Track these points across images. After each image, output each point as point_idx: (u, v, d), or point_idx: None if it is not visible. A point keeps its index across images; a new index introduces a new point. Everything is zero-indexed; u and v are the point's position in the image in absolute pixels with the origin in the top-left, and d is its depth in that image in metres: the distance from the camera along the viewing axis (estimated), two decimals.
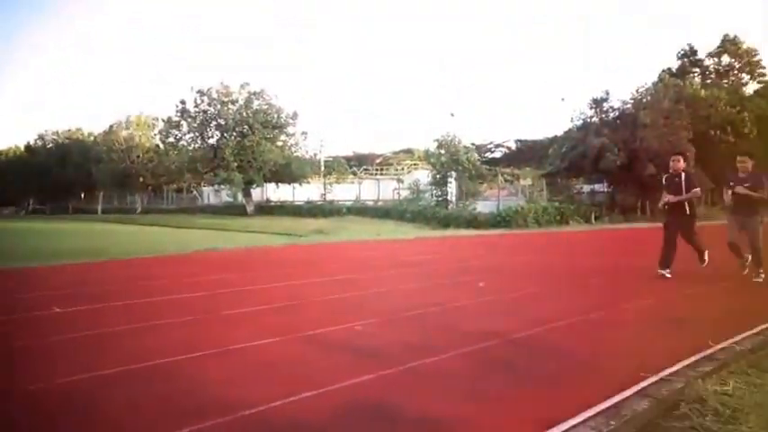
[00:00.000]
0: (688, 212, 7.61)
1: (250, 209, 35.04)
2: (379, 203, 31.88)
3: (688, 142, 26.01)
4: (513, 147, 59.34)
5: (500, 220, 21.98)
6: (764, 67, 42.44)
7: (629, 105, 28.68)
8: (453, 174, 27.33)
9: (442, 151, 27.46)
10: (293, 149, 36.95)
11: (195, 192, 48.23)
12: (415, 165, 40.64)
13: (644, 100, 28.55)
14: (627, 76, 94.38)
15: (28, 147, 56.99)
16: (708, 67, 43.78)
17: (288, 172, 35.44)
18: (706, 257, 7.72)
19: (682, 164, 7.87)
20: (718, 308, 5.78)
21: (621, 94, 30.93)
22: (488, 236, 18.24)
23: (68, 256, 10.92)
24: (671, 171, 7.88)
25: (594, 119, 28.96)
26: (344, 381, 3.33)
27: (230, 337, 4.41)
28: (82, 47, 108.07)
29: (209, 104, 35.29)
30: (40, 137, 56.27)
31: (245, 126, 34.50)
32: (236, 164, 33.44)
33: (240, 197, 37.53)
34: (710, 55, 43.66)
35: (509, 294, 6.68)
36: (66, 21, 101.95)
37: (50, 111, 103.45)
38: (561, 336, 4.51)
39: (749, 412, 2.93)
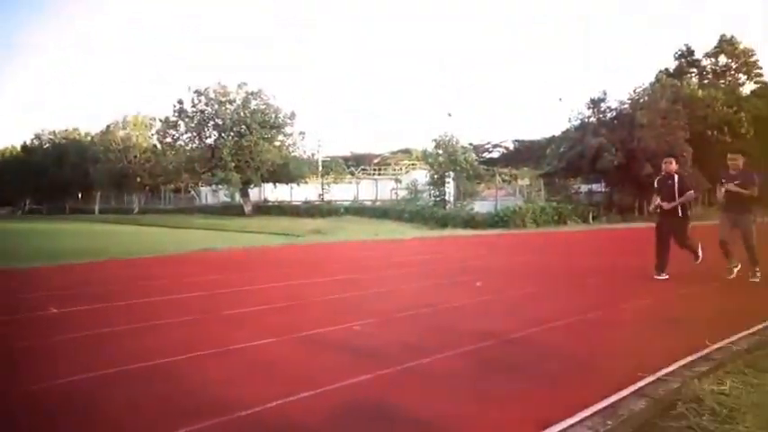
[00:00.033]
0: (681, 215, 7.55)
1: (248, 209, 34.98)
2: (377, 203, 31.84)
3: (685, 142, 26.08)
4: (511, 147, 59.45)
5: (498, 220, 21.98)
6: (761, 68, 42.58)
7: (626, 105, 28.72)
8: (451, 174, 27.32)
9: (440, 151, 27.46)
10: (291, 149, 36.87)
11: (193, 192, 48.12)
12: (412, 165, 40.65)
13: (641, 100, 28.59)
14: (627, 77, 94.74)
15: (24, 146, 56.78)
16: (705, 67, 43.88)
17: (285, 172, 35.37)
18: (700, 254, 7.70)
19: (674, 166, 7.83)
20: (714, 308, 5.79)
21: (621, 95, 30.93)
22: (486, 236, 18.25)
23: (66, 257, 10.90)
24: (663, 173, 7.83)
25: (592, 119, 29.00)
26: (342, 381, 3.33)
27: (228, 338, 4.41)
28: (81, 47, 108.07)
29: (206, 104, 35.19)
30: (37, 136, 56.10)
31: (243, 126, 34.42)
32: (233, 164, 33.36)
33: (238, 197, 37.46)
34: (707, 55, 43.77)
35: (507, 294, 6.69)
36: (65, 21, 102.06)
37: (50, 111, 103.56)
38: (558, 336, 4.52)
39: (746, 412, 2.94)
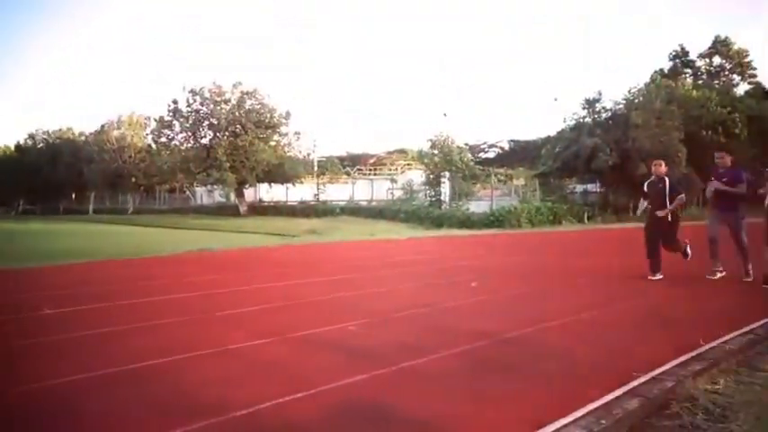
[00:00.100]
0: (670, 218, 7.50)
1: (243, 209, 34.92)
2: (373, 203, 31.82)
3: (679, 143, 26.16)
4: (507, 147, 59.54)
5: (493, 220, 22.01)
6: (755, 68, 42.85)
7: (621, 106, 28.80)
8: (447, 174, 27.34)
9: (436, 151, 27.48)
10: (286, 149, 36.81)
11: (188, 192, 47.98)
12: (408, 165, 40.64)
13: (636, 100, 28.67)
14: (627, 77, 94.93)
15: (18, 146, 56.51)
16: (699, 67, 44.14)
17: (281, 172, 35.30)
18: (689, 251, 7.71)
19: (663, 168, 7.77)
20: (708, 307, 5.82)
21: (619, 95, 30.96)
22: (481, 236, 18.27)
23: (60, 257, 10.85)
24: (653, 177, 7.78)
25: (587, 119, 29.06)
26: (337, 381, 3.33)
27: (223, 338, 4.40)
28: (81, 47, 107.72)
29: (201, 104, 35.10)
30: (31, 136, 55.84)
31: (238, 126, 34.35)
32: (228, 164, 33.28)
33: (233, 197, 37.38)
34: (702, 56, 44.03)
35: (502, 294, 6.70)
36: (65, 21, 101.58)
37: (50, 111, 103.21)
38: (553, 335, 4.53)
39: (739, 410, 2.95)
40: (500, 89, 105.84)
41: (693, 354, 3.86)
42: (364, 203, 32.31)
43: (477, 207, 24.93)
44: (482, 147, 59.37)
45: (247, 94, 35.43)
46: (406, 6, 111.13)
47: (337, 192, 35.59)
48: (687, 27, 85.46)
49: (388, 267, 9.58)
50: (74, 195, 53.97)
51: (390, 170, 42.52)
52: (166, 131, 37.14)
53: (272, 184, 37.24)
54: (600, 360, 3.83)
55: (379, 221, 24.86)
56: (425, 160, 28.38)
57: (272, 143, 36.17)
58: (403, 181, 31.81)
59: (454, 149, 27.39)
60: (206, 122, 35.37)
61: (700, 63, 44.28)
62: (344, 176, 44.75)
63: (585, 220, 25.08)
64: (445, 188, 27.46)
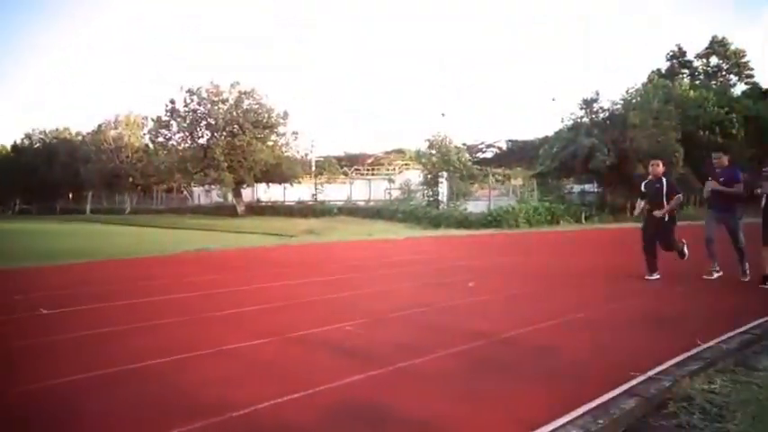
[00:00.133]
0: (667, 218, 7.50)
1: (240, 209, 34.86)
2: (371, 203, 31.80)
3: (677, 143, 26.22)
4: (504, 147, 59.57)
5: (491, 220, 22.01)
6: (752, 69, 43.00)
7: (618, 106, 28.84)
8: (444, 174, 27.36)
9: (433, 151, 27.49)
10: (284, 149, 36.77)
11: (185, 192, 47.91)
12: (406, 165, 40.63)
13: (633, 101, 28.72)
14: (627, 77, 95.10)
15: (15, 146, 56.31)
16: (696, 68, 44.29)
17: (278, 172, 35.25)
18: (686, 251, 7.71)
19: (661, 168, 7.74)
20: (705, 307, 5.83)
21: (617, 95, 30.97)
22: (479, 236, 18.28)
23: (57, 257, 10.82)
24: (650, 177, 7.76)
25: (585, 119, 29.10)
26: (335, 381, 3.32)
27: (220, 338, 4.39)
28: (81, 47, 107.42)
29: (198, 104, 35.02)
30: (27, 136, 55.65)
31: (236, 126, 34.29)
32: (226, 164, 33.22)
33: (230, 197, 37.32)
34: (699, 56, 44.18)
35: (499, 294, 6.70)
36: (65, 21, 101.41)
37: (49, 111, 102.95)
38: (550, 335, 4.53)
39: (735, 410, 2.95)
40: (500, 89, 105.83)
41: (690, 353, 3.87)
42: (362, 203, 32.30)
43: (474, 207, 24.94)
44: (480, 147, 59.40)
45: (245, 93, 35.37)
46: (407, 6, 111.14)
47: (335, 192, 35.56)
48: (687, 27, 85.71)
49: (385, 267, 9.57)
50: (70, 195, 53.82)
51: (388, 170, 42.50)
52: (164, 131, 37.07)
53: (270, 184, 37.19)
54: (597, 360, 3.83)
55: (377, 221, 24.86)
56: (423, 160, 28.38)
57: (270, 143, 36.12)
58: (401, 181, 31.80)
59: (452, 149, 27.41)
60: (203, 122, 35.30)
61: (697, 63, 44.47)
62: (342, 176, 44.74)
63: (583, 220, 25.11)
64: (443, 188, 27.48)
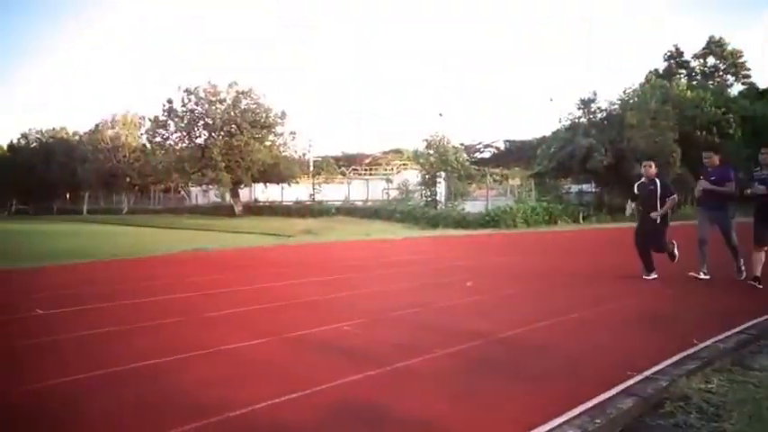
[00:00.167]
0: (659, 220, 7.49)
1: (238, 209, 34.83)
2: (368, 204, 31.79)
3: (674, 143, 26.27)
4: (502, 147, 59.64)
5: (489, 220, 22.03)
6: (749, 69, 43.11)
7: (616, 106, 28.90)
8: (442, 174, 27.37)
9: (431, 151, 27.50)
10: (282, 149, 36.74)
11: (183, 192, 47.84)
12: (404, 165, 40.64)
13: (631, 101, 28.78)
14: (630, 78, 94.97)
15: (11, 146, 56.15)
16: (694, 68, 44.37)
17: (276, 172, 35.22)
18: (676, 252, 7.71)
19: (653, 170, 7.73)
20: (702, 306, 5.84)
21: (615, 95, 31.04)
22: (477, 236, 18.29)
23: (55, 258, 10.80)
24: (643, 179, 7.74)
25: (582, 119, 29.14)
26: (332, 381, 3.32)
27: (219, 338, 4.39)
28: (85, 49, 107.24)
29: (196, 104, 34.97)
30: (24, 136, 55.51)
31: (233, 125, 34.24)
32: (223, 164, 33.18)
33: (228, 197, 37.28)
34: (696, 56, 44.27)
35: (497, 294, 6.70)
36: (70, 22, 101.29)
37: (53, 112, 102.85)
38: (547, 335, 4.53)
39: (732, 409, 2.96)
40: (503, 90, 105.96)
41: (687, 353, 3.87)
42: (360, 203, 32.30)
43: (472, 207, 24.96)
44: (478, 147, 59.48)
45: (243, 93, 35.32)
46: (410, 8, 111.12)
47: (333, 192, 35.55)
48: (686, 28, 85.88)
49: (383, 267, 9.57)
50: (67, 195, 53.70)
51: (386, 170, 42.51)
52: (161, 131, 37.00)
53: (268, 184, 37.18)
54: (594, 359, 3.83)
55: (375, 221, 24.86)
56: (421, 160, 28.38)
57: (268, 143, 36.09)
58: (399, 181, 31.82)
59: (450, 149, 27.41)
60: (201, 122, 35.25)
61: (694, 63, 44.54)
62: (340, 176, 44.72)
63: (581, 220, 25.15)
64: (441, 188, 27.49)
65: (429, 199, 27.12)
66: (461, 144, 35.55)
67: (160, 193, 48.72)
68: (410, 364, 3.67)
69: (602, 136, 27.08)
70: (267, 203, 36.94)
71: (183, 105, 35.12)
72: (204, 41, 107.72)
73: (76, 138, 51.53)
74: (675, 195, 7.64)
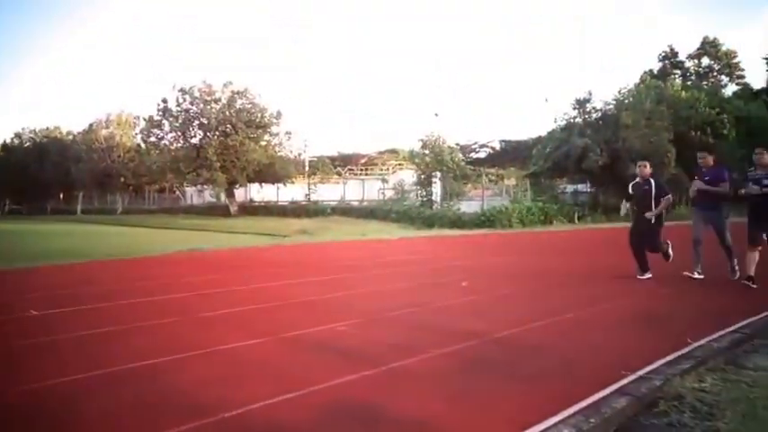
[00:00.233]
0: (653, 220, 7.52)
1: (233, 209, 34.75)
2: (364, 204, 31.78)
3: (669, 143, 26.37)
4: (498, 147, 59.73)
5: (484, 220, 22.06)
6: (743, 69, 43.34)
7: (611, 106, 28.99)
8: (438, 174, 27.38)
9: (427, 151, 27.51)
10: (277, 149, 36.68)
11: (178, 192, 47.70)
12: (399, 165, 40.66)
13: (626, 101, 28.88)
14: (624, 77, 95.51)
15: (4, 145, 55.83)
16: (688, 68, 44.59)
17: (272, 172, 35.16)
18: (670, 252, 7.73)
19: (648, 170, 7.76)
20: (695, 305, 5.87)
21: (610, 95, 31.14)
22: (473, 236, 18.32)
23: (49, 258, 10.74)
24: (638, 179, 7.77)
25: (578, 119, 29.22)
26: (328, 381, 3.32)
27: (214, 338, 4.38)
28: (78, 48, 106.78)
29: (191, 103, 34.87)
30: (17, 135, 55.23)
31: (228, 125, 34.16)
32: (219, 164, 33.10)
33: (223, 197, 37.20)
34: (691, 57, 44.49)
35: (492, 294, 6.72)
36: (63, 22, 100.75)
37: (46, 112, 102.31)
38: (542, 335, 4.54)
39: (725, 408, 2.98)
40: (496, 89, 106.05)
41: (681, 352, 3.89)
42: (355, 203, 32.28)
43: (468, 207, 24.98)
44: (473, 147, 59.56)
45: (238, 93, 35.24)
46: (403, 7, 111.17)
47: (328, 192, 35.52)
48: (681, 27, 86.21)
49: (379, 267, 9.57)
50: (61, 195, 53.44)
51: (381, 170, 42.51)
52: (156, 131, 36.88)
53: (263, 184, 37.11)
54: (589, 359, 3.85)
55: (371, 221, 24.85)
56: (416, 160, 28.40)
57: (263, 143, 36.02)
58: (394, 181, 31.80)
59: (445, 149, 27.43)
60: (196, 122, 35.15)
61: (689, 64, 44.78)
62: (335, 176, 44.69)
63: (576, 220, 25.22)
64: (436, 188, 27.50)
65: (425, 199, 27.14)
66: (457, 144, 35.69)
67: (155, 193, 48.57)
68: (406, 364, 3.68)
69: (597, 136, 27.17)
70: (262, 203, 36.86)
71: (178, 105, 35.04)
72: (197, 40, 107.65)
73: (70, 137, 51.29)
74: (670, 195, 7.65)
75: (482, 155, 58.15)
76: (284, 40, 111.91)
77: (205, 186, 37.63)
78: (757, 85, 39.83)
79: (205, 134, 35.03)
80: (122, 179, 44.48)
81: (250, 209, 35.61)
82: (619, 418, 2.88)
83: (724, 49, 43.57)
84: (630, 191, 7.91)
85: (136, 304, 5.95)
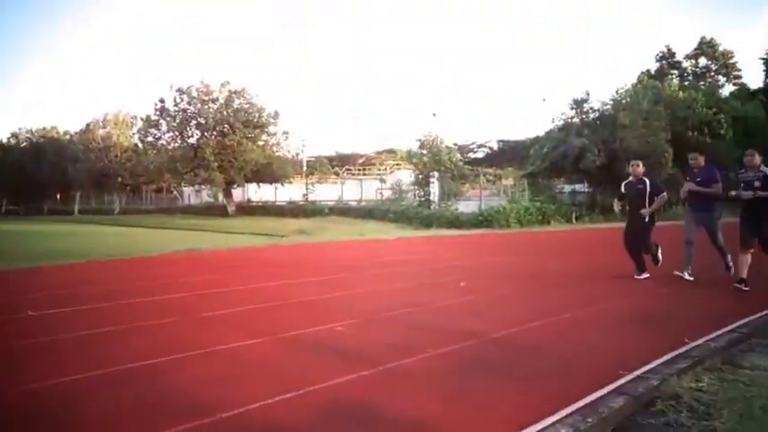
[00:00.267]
0: (647, 219, 7.52)
1: (231, 209, 34.69)
2: (362, 204, 31.77)
3: (666, 143, 26.42)
4: (495, 147, 59.76)
5: (482, 220, 22.08)
6: (740, 70, 43.45)
7: (608, 106, 29.03)
8: (436, 174, 27.39)
9: (425, 151, 27.53)
10: (275, 149, 36.63)
11: (175, 192, 47.60)
12: (397, 165, 40.65)
13: (623, 101, 28.92)
14: (627, 77, 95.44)
15: (1, 145, 55.65)
16: (686, 69, 44.66)
17: (269, 172, 35.10)
18: (659, 257, 7.70)
19: (641, 169, 7.77)
20: (692, 305, 5.88)
21: (607, 95, 31.14)
22: (470, 236, 18.33)
23: (47, 258, 10.72)
24: (631, 178, 7.78)
25: (575, 119, 29.26)
26: (326, 381, 3.32)
27: (214, 338, 4.38)
28: (81, 48, 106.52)
29: (188, 103, 34.79)
30: (14, 135, 55.04)
31: (226, 125, 34.10)
32: (216, 164, 33.04)
33: (221, 197, 37.14)
34: (688, 57, 44.56)
35: (490, 294, 6.73)
36: (67, 20, 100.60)
37: (49, 111, 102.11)
38: (540, 335, 4.56)
39: (722, 407, 2.99)
40: (499, 89, 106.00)
41: (678, 352, 3.91)
42: (353, 203, 32.27)
43: (465, 207, 25.00)
44: (471, 147, 59.54)
45: (235, 93, 35.16)
46: (407, 6, 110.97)
47: (326, 192, 35.51)
48: (686, 27, 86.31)
49: (377, 267, 9.57)
50: (58, 195, 53.26)
51: (379, 170, 42.52)
52: (153, 131, 36.79)
53: (261, 183, 37.04)
54: (586, 359, 3.86)
55: (369, 221, 24.84)
56: (414, 160, 28.41)
57: (261, 143, 35.96)
58: (392, 181, 31.81)
59: (443, 149, 27.45)
60: (193, 122, 35.07)
61: (686, 64, 44.85)
62: (333, 176, 44.67)
63: (573, 220, 25.25)
64: (434, 188, 27.52)
65: (422, 199, 27.15)
66: (455, 144, 35.66)
67: (152, 193, 48.42)
68: (404, 364, 3.68)
69: (594, 136, 27.21)
70: (260, 203, 36.82)
71: (176, 105, 34.95)
72: (201, 40, 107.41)
73: (67, 137, 51.14)
74: (665, 193, 7.68)
75: (480, 155, 58.15)
76: (288, 39, 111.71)
77: (202, 186, 37.54)
78: (754, 85, 40.00)
79: (202, 134, 34.96)
80: (119, 179, 44.36)
81: (248, 209, 35.56)
82: (616, 417, 2.89)
83: (721, 49, 43.65)
84: (623, 190, 7.92)
85: (135, 304, 5.95)
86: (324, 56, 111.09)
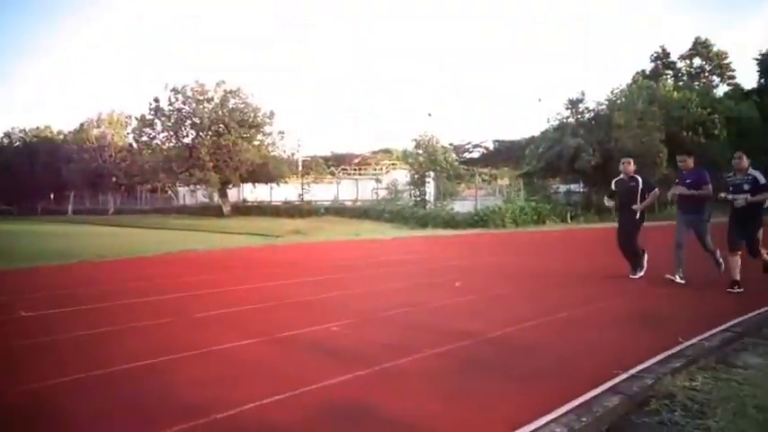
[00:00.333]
0: (638, 216, 7.55)
1: (226, 209, 34.60)
2: (358, 203, 31.75)
3: (661, 143, 26.54)
4: (491, 147, 59.86)
5: (478, 220, 22.11)
6: (734, 70, 43.66)
7: (603, 106, 29.13)
8: (431, 174, 27.42)
9: (420, 151, 27.54)
10: (270, 149, 36.54)
11: (170, 192, 47.44)
12: (393, 165, 40.65)
13: (618, 101, 29.03)
14: (626, 77, 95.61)
15: None
16: (680, 69, 44.84)
17: (265, 172, 35.01)
18: (644, 264, 7.67)
19: (632, 166, 7.78)
20: (687, 305, 5.91)
21: (602, 95, 31.28)
22: (466, 235, 18.36)
23: (42, 259, 10.66)
24: (622, 175, 7.79)
25: (571, 119, 29.35)
26: (322, 381, 3.32)
27: (209, 339, 4.37)
28: (82, 47, 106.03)
29: (183, 103, 34.65)
30: (6, 135, 54.74)
31: (221, 125, 33.98)
32: (211, 163, 32.92)
33: (216, 198, 37.05)
34: (682, 57, 44.74)
35: (485, 294, 6.74)
36: (67, 20, 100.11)
37: (50, 111, 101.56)
38: (535, 334, 4.57)
39: (716, 406, 3.01)
40: (500, 89, 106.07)
41: (672, 351, 3.93)
42: (349, 203, 32.26)
43: (461, 207, 25.03)
44: (467, 146, 59.64)
45: (231, 92, 35.04)
46: (407, 6, 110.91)
47: (322, 192, 35.45)
48: (686, 27, 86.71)
49: (372, 267, 9.58)
50: (52, 196, 53.01)
51: (375, 170, 42.51)
52: (148, 130, 36.61)
53: (256, 183, 36.96)
54: (581, 358, 3.87)
55: (364, 221, 24.84)
56: (410, 160, 28.42)
57: (256, 143, 35.85)
58: (388, 181, 31.82)
59: (438, 149, 27.47)
60: (188, 121, 34.89)
61: (680, 64, 45.02)
62: (329, 176, 44.64)
63: (569, 220, 25.33)
64: (430, 188, 27.53)
65: (418, 199, 27.16)
66: (450, 144, 35.67)
67: (147, 193, 48.29)
68: (399, 364, 3.69)
69: (589, 136, 27.30)
70: (256, 203, 36.75)
71: (170, 104, 34.81)
72: (201, 40, 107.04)
73: (61, 137, 50.89)
74: (657, 189, 7.73)
75: (475, 155, 58.26)
76: (288, 39, 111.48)
77: (198, 186, 37.41)
78: (748, 85, 40.21)
79: (198, 134, 34.82)
80: (114, 179, 44.20)
81: (243, 209, 35.49)
82: (611, 416, 2.91)
83: (715, 49, 43.85)
84: (614, 187, 7.94)
85: (131, 305, 5.93)
86: (324, 56, 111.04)
